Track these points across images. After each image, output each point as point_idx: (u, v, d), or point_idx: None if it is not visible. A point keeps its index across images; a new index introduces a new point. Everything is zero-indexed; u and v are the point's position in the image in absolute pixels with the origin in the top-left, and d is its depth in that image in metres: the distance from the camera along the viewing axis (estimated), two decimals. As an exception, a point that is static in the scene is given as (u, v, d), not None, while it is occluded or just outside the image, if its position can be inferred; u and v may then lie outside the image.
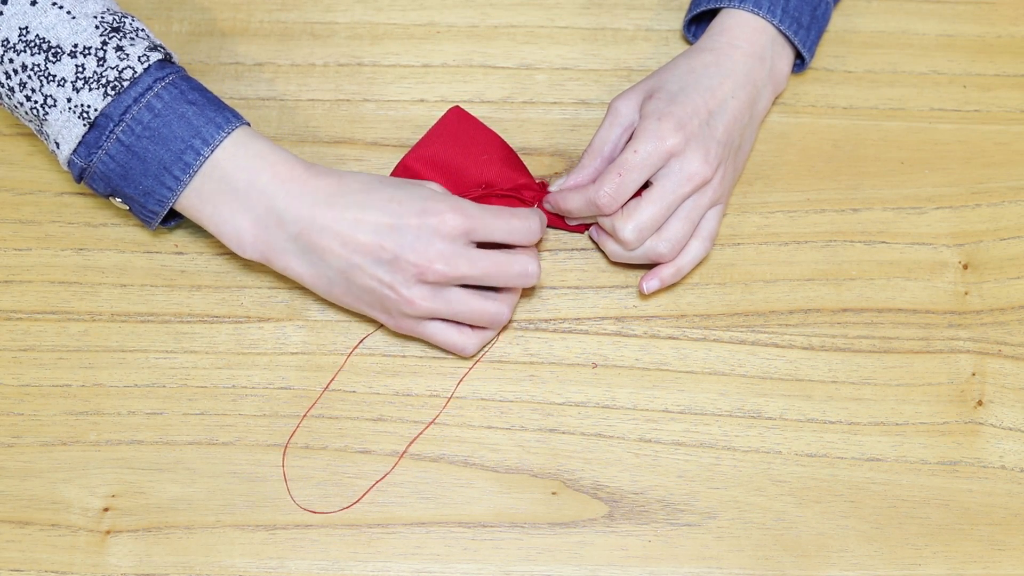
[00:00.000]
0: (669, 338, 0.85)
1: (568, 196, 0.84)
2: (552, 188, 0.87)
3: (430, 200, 0.78)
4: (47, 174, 0.88)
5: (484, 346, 0.84)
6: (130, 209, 0.81)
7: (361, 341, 0.84)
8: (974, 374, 0.85)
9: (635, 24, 0.94)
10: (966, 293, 0.87)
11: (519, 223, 0.80)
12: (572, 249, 0.88)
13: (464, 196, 0.84)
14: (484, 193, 0.85)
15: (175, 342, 0.84)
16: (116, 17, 0.79)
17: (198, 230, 0.86)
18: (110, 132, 0.77)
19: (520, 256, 0.81)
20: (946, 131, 0.92)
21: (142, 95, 0.77)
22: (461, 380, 0.84)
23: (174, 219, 0.84)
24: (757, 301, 0.87)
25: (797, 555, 0.81)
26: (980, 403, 0.84)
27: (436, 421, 0.83)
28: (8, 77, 0.78)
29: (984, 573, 0.81)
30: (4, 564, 0.79)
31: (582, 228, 0.87)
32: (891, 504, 0.82)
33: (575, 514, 0.81)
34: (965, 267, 0.88)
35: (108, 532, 0.80)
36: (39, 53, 0.77)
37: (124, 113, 0.77)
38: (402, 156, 0.85)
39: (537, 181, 0.87)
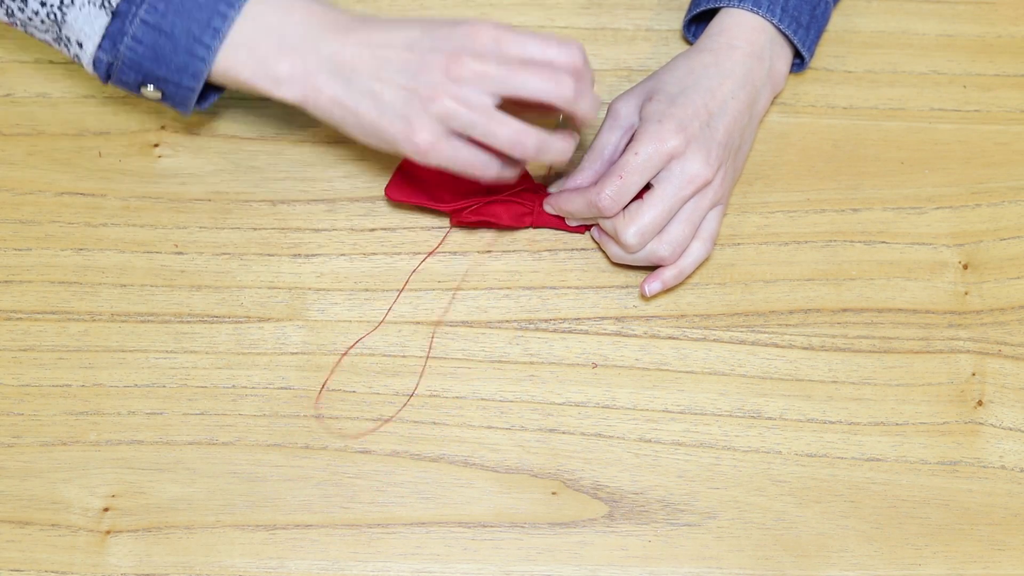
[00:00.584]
0: (669, 338, 0.85)
1: (569, 198, 0.84)
2: (552, 190, 0.87)
3: (460, 21, 0.77)
4: (47, 174, 0.88)
5: (512, 173, 0.81)
6: (163, 97, 0.80)
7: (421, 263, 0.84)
8: (974, 374, 0.85)
9: (635, 24, 0.94)
10: (966, 293, 0.87)
11: (556, 50, 0.77)
12: (572, 249, 0.88)
13: (465, 202, 0.84)
14: (484, 199, 0.85)
15: (175, 342, 0.84)
16: None
17: (198, 229, 0.86)
18: (133, 16, 0.77)
19: (534, 134, 0.77)
20: (946, 131, 0.92)
21: None
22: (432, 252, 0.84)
23: (208, 100, 0.82)
24: (757, 301, 0.87)
25: (797, 555, 0.81)
26: (980, 403, 0.84)
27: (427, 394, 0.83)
28: None
29: (984, 573, 0.81)
30: (4, 564, 0.79)
31: (583, 229, 0.87)
32: (891, 504, 0.82)
33: (575, 514, 0.81)
34: (965, 267, 0.88)
35: (108, 532, 0.80)
36: None
37: None
38: (401, 159, 0.85)
39: (536, 184, 0.87)
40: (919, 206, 0.90)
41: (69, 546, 0.79)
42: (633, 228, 0.82)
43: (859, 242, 0.88)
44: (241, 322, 0.85)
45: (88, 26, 0.77)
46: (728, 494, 0.82)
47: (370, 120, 0.78)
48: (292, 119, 0.90)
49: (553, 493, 0.82)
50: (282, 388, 0.83)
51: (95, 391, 0.83)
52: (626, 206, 0.82)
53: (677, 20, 0.94)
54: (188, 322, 0.85)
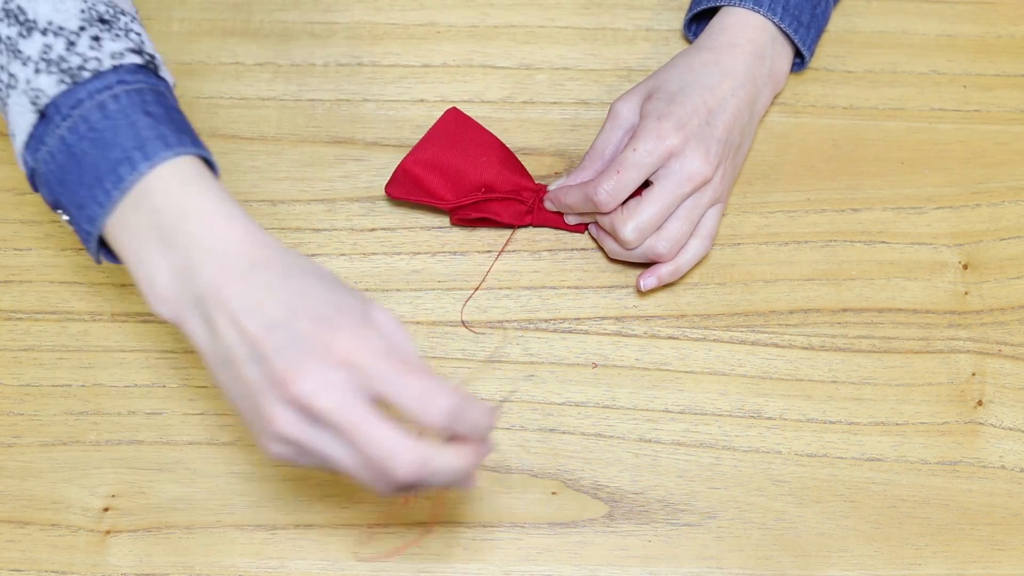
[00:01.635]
0: (669, 338, 0.85)
1: (567, 191, 0.84)
2: (551, 188, 0.87)
3: (339, 313, 0.63)
4: (47, 174, 0.88)
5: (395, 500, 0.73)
6: (74, 229, 0.70)
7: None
8: (974, 374, 0.85)
9: (635, 24, 0.94)
10: (966, 293, 0.87)
11: (420, 392, 0.62)
12: (572, 249, 0.88)
13: (464, 199, 0.85)
14: (484, 197, 0.85)
15: (175, 342, 0.84)
16: (112, 11, 0.71)
17: (198, 230, 0.86)
18: (56, 127, 0.67)
19: (411, 449, 0.62)
20: (946, 131, 0.92)
21: (99, 92, 0.67)
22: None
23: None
24: (757, 301, 0.87)
25: (797, 555, 0.81)
26: (980, 403, 0.84)
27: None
28: None
29: (984, 573, 0.81)
30: (4, 564, 0.79)
31: (582, 228, 0.87)
32: (891, 504, 0.82)
33: (575, 514, 0.81)
34: (965, 267, 0.88)
35: (108, 532, 0.80)
36: (14, 24, 0.69)
37: (74, 107, 0.67)
38: (401, 159, 0.85)
39: (536, 183, 0.87)
40: (919, 206, 0.90)
41: (69, 546, 0.79)
42: (631, 224, 0.82)
43: (859, 242, 0.88)
44: (241, 322, 0.85)
45: (20, 118, 0.69)
46: (728, 494, 0.82)
47: (226, 386, 0.66)
48: (292, 119, 0.90)
49: (553, 493, 0.82)
50: (282, 388, 0.83)
51: (95, 391, 0.83)
52: (625, 202, 0.82)
53: (677, 20, 0.94)
54: (188, 322, 0.85)
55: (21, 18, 0.69)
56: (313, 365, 0.62)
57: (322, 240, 0.87)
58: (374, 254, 0.87)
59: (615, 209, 0.82)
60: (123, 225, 0.67)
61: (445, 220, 0.88)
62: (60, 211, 0.70)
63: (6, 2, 0.69)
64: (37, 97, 0.68)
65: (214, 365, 0.66)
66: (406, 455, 0.62)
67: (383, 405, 0.63)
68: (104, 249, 0.70)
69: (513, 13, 0.94)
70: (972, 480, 0.83)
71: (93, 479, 0.81)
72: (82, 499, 0.80)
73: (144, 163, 0.66)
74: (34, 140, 0.68)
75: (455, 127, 0.86)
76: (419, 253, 0.87)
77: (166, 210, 0.66)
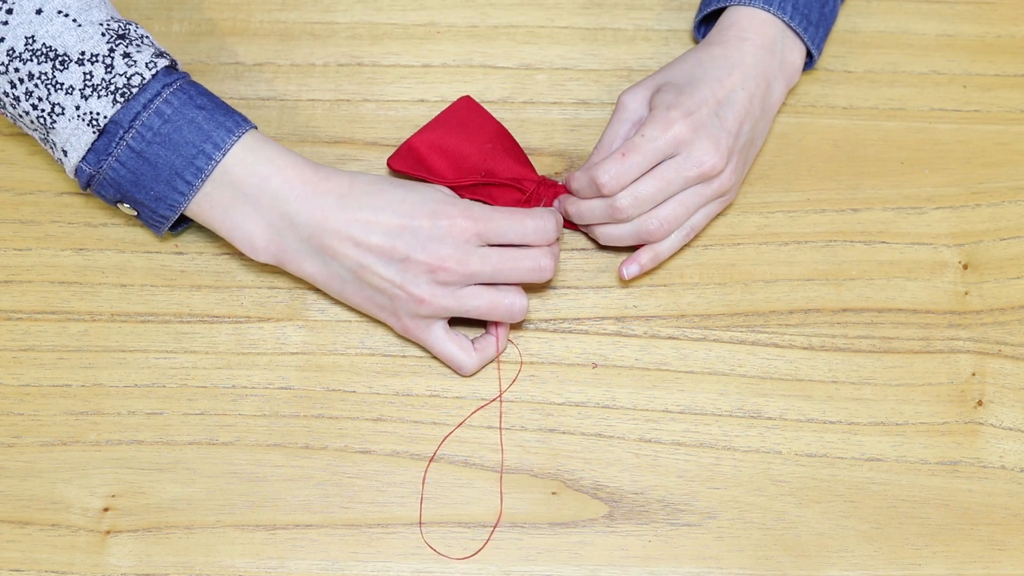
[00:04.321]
0: (669, 338, 0.85)
1: (574, 175, 0.84)
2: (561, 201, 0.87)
3: (441, 203, 0.79)
4: (47, 174, 0.88)
5: (483, 366, 0.84)
6: (138, 215, 0.81)
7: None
8: (974, 374, 0.85)
9: (635, 24, 0.94)
10: (966, 293, 0.87)
11: (532, 223, 0.80)
12: (572, 249, 0.88)
13: (464, 181, 0.85)
14: (484, 180, 0.85)
15: (175, 342, 0.84)
16: (120, 24, 0.79)
17: (198, 230, 0.86)
18: (120, 139, 0.77)
19: (532, 251, 0.80)
20: (946, 131, 0.92)
21: (151, 101, 0.77)
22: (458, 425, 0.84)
23: (182, 225, 0.84)
24: (757, 301, 0.87)
25: (797, 555, 0.81)
26: (980, 403, 0.84)
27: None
28: (14, 87, 0.77)
29: (984, 573, 0.81)
30: (4, 564, 0.79)
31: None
32: (891, 504, 0.82)
33: (575, 514, 0.81)
34: (965, 267, 0.88)
35: (108, 532, 0.80)
36: (46, 62, 0.77)
37: (134, 119, 0.77)
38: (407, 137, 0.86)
39: (538, 175, 0.87)
40: (919, 206, 0.90)
41: (69, 546, 0.79)
42: (629, 191, 0.82)
43: (859, 242, 0.88)
44: (241, 322, 0.85)
45: (75, 138, 0.78)
46: (728, 494, 0.82)
47: (352, 299, 0.82)
48: (292, 119, 0.90)
49: (553, 493, 0.82)
50: (282, 388, 0.83)
51: (95, 391, 0.83)
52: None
53: (677, 20, 0.94)
54: (188, 322, 0.85)
55: (51, 55, 0.77)
56: (448, 248, 0.78)
57: (322, 240, 0.87)
58: (374, 254, 0.87)
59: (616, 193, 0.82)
60: (208, 202, 0.79)
61: (445, 220, 0.87)
62: (123, 204, 0.81)
63: (29, 43, 0.77)
64: (94, 119, 0.77)
65: (335, 285, 0.81)
66: (548, 260, 0.80)
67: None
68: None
69: (513, 13, 0.94)
70: (972, 480, 0.83)
71: (93, 479, 0.81)
72: (82, 499, 0.80)
73: (217, 152, 0.78)
74: (92, 154, 0.78)
75: (467, 113, 0.86)
76: (419, 253, 0.87)
77: (246, 179, 0.78)
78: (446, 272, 0.78)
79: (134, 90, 0.77)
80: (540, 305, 0.86)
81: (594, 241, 0.87)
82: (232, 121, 0.79)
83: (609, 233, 0.84)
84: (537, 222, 0.80)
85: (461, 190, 0.85)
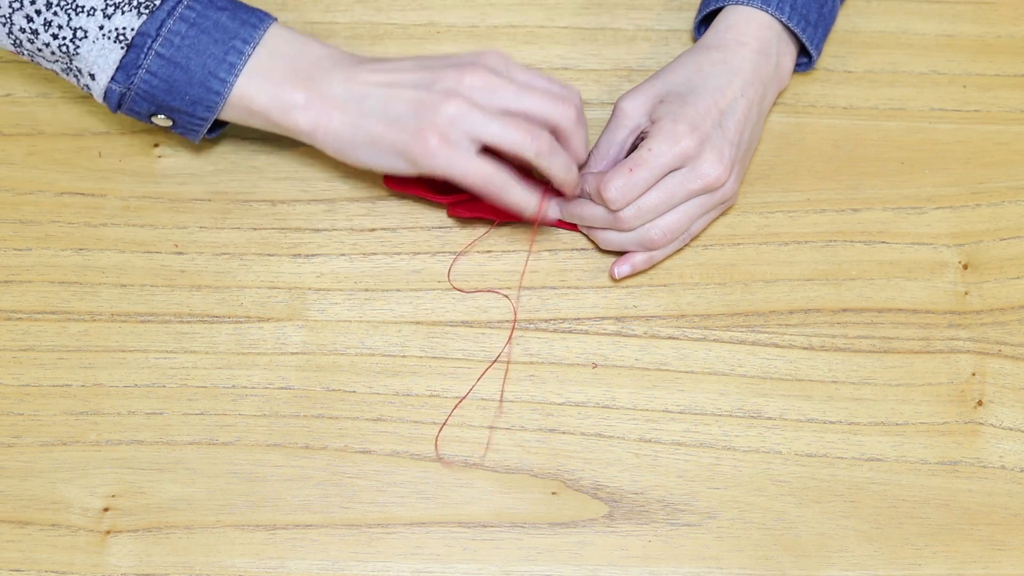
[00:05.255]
0: (669, 338, 0.85)
1: (585, 177, 0.84)
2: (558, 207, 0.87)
3: (462, 55, 0.80)
4: (47, 174, 0.88)
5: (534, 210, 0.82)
6: (173, 125, 0.82)
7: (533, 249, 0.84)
8: (974, 374, 0.85)
9: (635, 24, 0.94)
10: (966, 293, 0.87)
11: (551, 88, 0.80)
12: (572, 249, 0.88)
13: (462, 195, 0.85)
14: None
15: (175, 342, 0.84)
16: None
17: (198, 229, 0.86)
18: (148, 49, 0.78)
19: (567, 86, 0.81)
20: (946, 131, 0.92)
21: (175, 8, 0.78)
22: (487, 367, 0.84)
23: (217, 130, 0.85)
24: (757, 301, 0.87)
25: (797, 555, 0.81)
26: (980, 403, 0.84)
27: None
28: (30, 20, 0.78)
29: (984, 573, 0.81)
30: (4, 564, 0.79)
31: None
32: (891, 504, 0.82)
33: (575, 514, 0.81)
34: (965, 267, 0.88)
35: (108, 532, 0.80)
36: None
37: (160, 27, 0.78)
38: None
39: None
40: (919, 206, 0.90)
41: (69, 546, 0.79)
42: (633, 204, 0.82)
43: (859, 242, 0.88)
44: (241, 322, 0.85)
45: (102, 59, 0.79)
46: (728, 494, 0.82)
47: (380, 132, 0.79)
48: (292, 119, 0.90)
49: (553, 493, 0.82)
50: (282, 388, 0.83)
51: (95, 391, 0.83)
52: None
53: (677, 20, 0.94)
54: (188, 322, 0.85)
55: None
56: (473, 70, 0.78)
57: (322, 240, 0.87)
58: (374, 254, 0.87)
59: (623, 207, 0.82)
60: (244, 89, 0.80)
61: (445, 220, 0.88)
62: (158, 115, 0.81)
63: None
64: (121, 34, 0.78)
65: (365, 124, 0.79)
66: (569, 90, 0.81)
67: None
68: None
69: (513, 13, 0.94)
70: (972, 480, 0.83)
71: (93, 479, 0.81)
72: (82, 499, 0.80)
73: (247, 47, 0.79)
74: (121, 70, 0.79)
75: None
76: (419, 253, 0.87)
77: (283, 53, 0.80)
78: (472, 74, 0.78)
79: (157, 1, 0.78)
80: (540, 305, 0.86)
81: (585, 235, 0.87)
82: (256, 17, 0.80)
83: (610, 239, 0.85)
84: (560, 88, 0.81)
85: (461, 206, 0.85)
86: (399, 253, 0.87)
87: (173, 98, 0.80)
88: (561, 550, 0.80)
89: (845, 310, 0.87)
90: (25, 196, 0.88)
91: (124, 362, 0.84)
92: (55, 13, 0.78)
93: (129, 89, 0.80)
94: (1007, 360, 0.86)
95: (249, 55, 0.79)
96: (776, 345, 0.85)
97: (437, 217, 0.88)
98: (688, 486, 0.82)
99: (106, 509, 0.80)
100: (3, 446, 0.82)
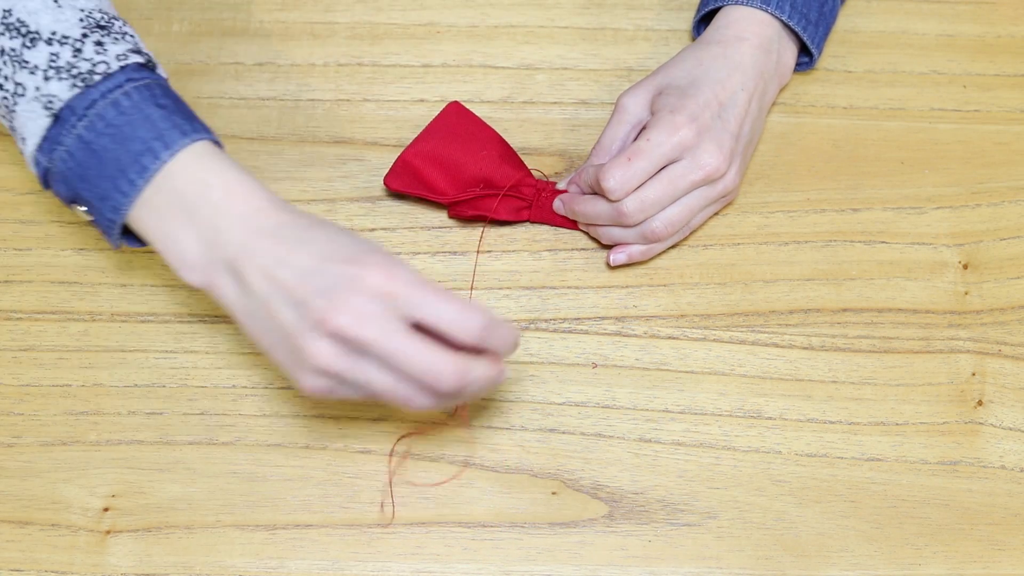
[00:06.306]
0: (669, 338, 0.85)
1: (585, 169, 0.84)
2: (560, 186, 0.87)
3: (366, 253, 0.69)
4: (47, 174, 0.88)
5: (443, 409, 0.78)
6: (93, 220, 0.75)
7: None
8: (974, 374, 0.85)
9: (635, 24, 0.94)
10: (966, 293, 0.87)
11: (456, 313, 0.69)
12: (572, 249, 0.88)
13: (463, 194, 0.85)
14: (482, 193, 0.85)
15: (175, 342, 0.84)
16: (106, 17, 0.75)
17: (198, 230, 0.86)
18: (72, 127, 0.72)
19: (443, 357, 0.69)
20: (946, 131, 0.92)
21: (111, 91, 0.72)
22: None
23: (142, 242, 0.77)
24: (757, 301, 0.87)
25: (797, 555, 0.81)
26: (980, 403, 0.84)
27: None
28: None
29: (984, 573, 0.81)
30: (4, 564, 0.79)
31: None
32: (891, 504, 0.82)
33: (575, 514, 0.81)
34: (965, 267, 0.88)
35: (108, 532, 0.80)
36: (17, 37, 0.73)
37: (89, 107, 0.72)
38: (400, 152, 0.86)
39: (535, 180, 0.87)
40: (919, 206, 0.90)
41: (69, 546, 0.79)
42: (635, 196, 0.82)
43: (859, 242, 0.88)
44: (241, 322, 0.85)
45: (32, 123, 0.73)
46: (728, 494, 0.82)
47: (261, 339, 0.72)
48: (292, 119, 0.90)
49: (553, 493, 0.82)
50: (282, 388, 0.83)
51: (95, 391, 0.83)
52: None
53: (677, 20, 0.94)
54: (188, 322, 0.85)
55: (23, 31, 0.73)
56: (351, 299, 0.67)
57: (322, 240, 0.87)
58: (374, 254, 0.87)
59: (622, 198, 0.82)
60: (148, 208, 0.72)
61: (445, 220, 0.88)
62: (77, 205, 0.75)
63: (5, 16, 0.73)
64: (51, 102, 0.72)
65: (246, 318, 0.71)
66: (449, 367, 0.68)
67: (418, 328, 0.69)
68: (123, 235, 0.75)
69: (513, 13, 0.94)
70: (972, 480, 0.83)
71: (93, 479, 0.81)
72: (82, 499, 0.80)
73: (165, 152, 0.71)
74: (47, 142, 0.73)
75: (456, 120, 0.86)
76: (419, 253, 0.87)
77: (189, 187, 0.71)
78: (336, 325, 0.67)
79: (96, 78, 0.72)
80: (540, 305, 0.86)
81: (594, 240, 0.87)
82: (190, 125, 0.72)
83: (613, 234, 0.85)
84: (463, 315, 0.68)
85: (462, 206, 0.85)
86: (399, 253, 0.87)
87: (85, 187, 0.73)
88: (561, 550, 0.80)
89: (845, 310, 0.87)
90: (25, 196, 0.88)
91: (124, 362, 0.84)
92: (4, 62, 0.73)
93: (52, 165, 0.73)
94: (1007, 360, 0.86)
95: (165, 162, 0.71)
96: (776, 345, 0.85)
97: (437, 217, 0.88)
98: (688, 486, 0.82)
99: (106, 509, 0.80)
100: (3, 446, 0.82)
